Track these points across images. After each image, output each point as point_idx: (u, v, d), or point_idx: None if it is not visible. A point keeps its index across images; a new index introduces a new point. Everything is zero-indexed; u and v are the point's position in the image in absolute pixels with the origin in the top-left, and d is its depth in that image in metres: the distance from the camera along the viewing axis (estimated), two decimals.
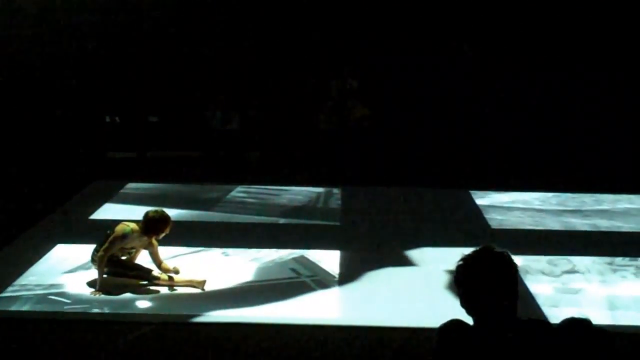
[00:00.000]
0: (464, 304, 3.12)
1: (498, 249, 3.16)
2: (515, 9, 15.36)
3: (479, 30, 15.43)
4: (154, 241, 7.85)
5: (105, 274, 7.65)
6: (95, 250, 7.74)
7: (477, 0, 15.43)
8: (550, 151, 14.03)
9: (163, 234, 7.79)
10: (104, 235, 7.77)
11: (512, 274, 3.10)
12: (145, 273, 7.83)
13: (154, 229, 7.69)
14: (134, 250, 7.89)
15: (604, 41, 14.97)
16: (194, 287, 7.83)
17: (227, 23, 15.72)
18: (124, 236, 7.64)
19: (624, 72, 14.84)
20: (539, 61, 15.05)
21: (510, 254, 3.18)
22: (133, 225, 7.70)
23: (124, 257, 7.85)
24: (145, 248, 7.89)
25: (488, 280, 3.06)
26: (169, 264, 7.99)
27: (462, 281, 3.13)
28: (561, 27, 15.15)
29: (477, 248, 3.17)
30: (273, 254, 9.00)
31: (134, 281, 7.84)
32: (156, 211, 7.77)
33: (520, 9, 15.34)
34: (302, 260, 8.75)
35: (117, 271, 7.79)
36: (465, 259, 3.14)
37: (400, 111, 14.88)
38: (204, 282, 7.86)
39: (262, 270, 8.52)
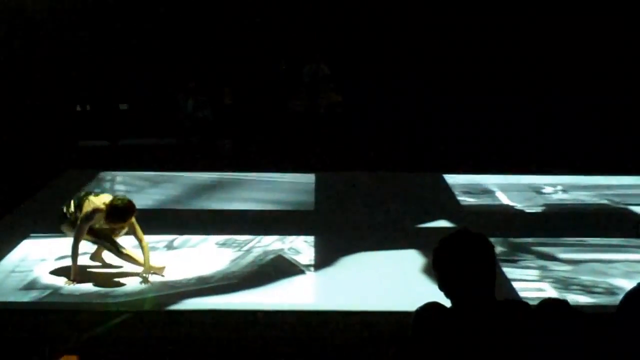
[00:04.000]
0: (442, 287, 3.13)
1: (474, 231, 3.17)
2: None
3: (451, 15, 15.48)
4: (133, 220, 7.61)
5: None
6: (62, 213, 7.64)
7: None
8: (520, 134, 14.14)
9: (125, 224, 7.53)
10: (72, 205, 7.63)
11: (490, 256, 3.12)
12: (115, 245, 7.69)
13: (118, 217, 7.42)
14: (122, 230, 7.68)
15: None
16: (155, 273, 7.77)
17: (198, 10, 15.64)
18: (88, 217, 7.43)
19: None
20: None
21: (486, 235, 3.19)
22: (101, 205, 7.46)
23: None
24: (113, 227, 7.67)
25: (465, 262, 3.07)
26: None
27: (439, 264, 3.14)
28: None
29: (454, 231, 3.17)
30: (249, 242, 8.99)
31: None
32: (122, 199, 7.52)
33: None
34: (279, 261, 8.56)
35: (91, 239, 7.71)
36: (443, 242, 3.15)
37: (372, 96, 14.91)
38: (163, 268, 7.81)
39: (237, 257, 8.50)
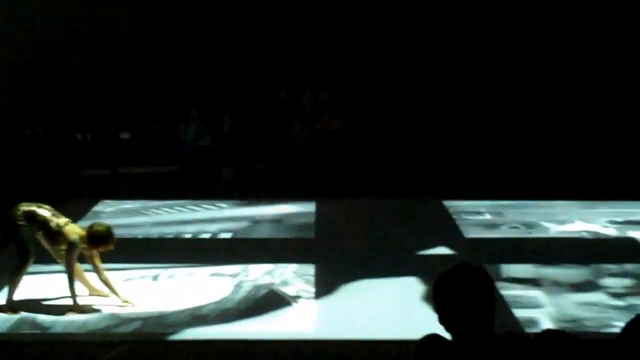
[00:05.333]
0: (441, 321, 3.14)
1: (474, 264, 3.18)
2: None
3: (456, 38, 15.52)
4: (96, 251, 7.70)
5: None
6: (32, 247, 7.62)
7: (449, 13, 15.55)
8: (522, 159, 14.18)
9: (102, 249, 7.64)
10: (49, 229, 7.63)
11: (489, 289, 3.13)
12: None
13: (98, 243, 7.56)
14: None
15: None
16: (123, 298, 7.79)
17: (198, 39, 15.73)
18: (76, 246, 7.50)
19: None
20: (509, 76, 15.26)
21: (486, 268, 3.20)
22: (80, 231, 7.58)
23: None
24: (85, 253, 7.72)
25: (465, 296, 3.08)
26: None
27: (439, 298, 3.15)
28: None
29: (454, 264, 3.19)
30: (249, 270, 8.98)
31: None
32: (102, 225, 7.69)
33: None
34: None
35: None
36: (442, 275, 3.16)
37: (372, 123, 14.96)
38: (128, 302, 7.82)
39: (237, 287, 8.49)
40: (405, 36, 15.38)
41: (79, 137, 15.49)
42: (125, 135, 15.57)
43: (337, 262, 9.35)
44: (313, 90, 15.42)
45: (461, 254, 9.55)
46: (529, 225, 10.93)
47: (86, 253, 7.70)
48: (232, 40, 15.79)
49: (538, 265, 9.12)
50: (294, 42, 15.81)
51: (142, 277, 8.79)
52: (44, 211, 7.67)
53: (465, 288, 3.09)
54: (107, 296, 7.87)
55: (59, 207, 11.74)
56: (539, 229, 10.81)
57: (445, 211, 11.75)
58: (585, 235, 10.51)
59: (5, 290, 7.77)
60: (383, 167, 14.11)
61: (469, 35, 15.40)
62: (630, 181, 12.90)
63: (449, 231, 10.73)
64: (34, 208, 7.66)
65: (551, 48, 15.27)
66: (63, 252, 7.59)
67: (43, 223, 7.60)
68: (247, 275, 8.83)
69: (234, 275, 8.83)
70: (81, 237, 7.52)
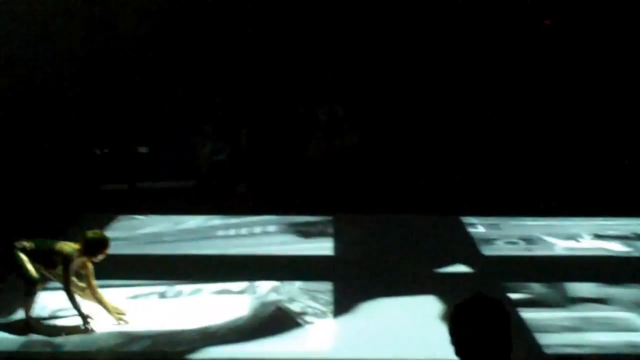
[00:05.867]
0: (458, 354, 3.11)
1: (491, 297, 3.15)
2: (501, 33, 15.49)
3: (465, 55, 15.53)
4: (89, 264, 7.67)
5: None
6: (35, 271, 7.56)
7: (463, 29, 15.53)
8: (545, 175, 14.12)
9: (101, 256, 7.63)
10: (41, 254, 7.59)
11: (506, 322, 3.09)
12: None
13: (93, 250, 7.54)
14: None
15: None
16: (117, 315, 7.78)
17: (216, 54, 15.75)
18: (70, 259, 7.47)
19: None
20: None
21: (503, 302, 3.16)
22: (74, 245, 7.55)
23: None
24: (79, 270, 7.70)
25: (481, 329, 3.05)
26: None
27: (455, 331, 3.11)
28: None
29: (469, 297, 3.15)
30: (256, 286, 8.94)
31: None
32: (95, 232, 7.68)
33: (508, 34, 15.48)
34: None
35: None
36: (458, 308, 3.13)
37: (390, 137, 14.93)
38: (122, 314, 7.81)
39: (246, 304, 8.47)
40: (421, 51, 15.38)
41: (97, 151, 15.52)
42: (143, 150, 15.59)
43: (355, 279, 9.31)
44: (330, 104, 15.40)
45: (479, 271, 9.53)
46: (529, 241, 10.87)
47: (82, 271, 7.66)
48: (249, 55, 15.81)
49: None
50: (310, 55, 15.82)
51: (150, 293, 8.78)
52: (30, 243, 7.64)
53: (481, 321, 3.05)
54: (123, 313, 7.86)
55: (75, 224, 11.97)
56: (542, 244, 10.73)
57: (463, 227, 11.69)
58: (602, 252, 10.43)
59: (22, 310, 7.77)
60: (401, 182, 14.06)
61: (476, 49, 15.40)
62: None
63: (466, 249, 10.66)
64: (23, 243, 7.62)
65: (549, 64, 15.29)
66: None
67: (33, 251, 7.56)
68: (254, 292, 8.80)
69: (241, 292, 8.81)
70: (76, 250, 7.49)
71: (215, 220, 12.18)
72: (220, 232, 11.63)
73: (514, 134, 14.84)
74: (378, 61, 15.53)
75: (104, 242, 7.59)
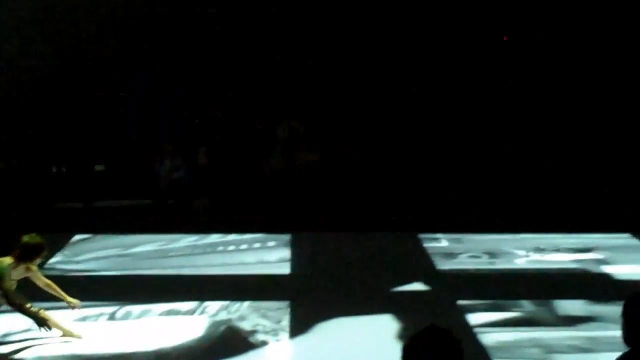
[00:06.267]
0: None
1: (442, 327, 3.15)
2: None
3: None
4: (33, 267, 7.58)
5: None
6: None
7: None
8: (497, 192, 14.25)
9: (39, 259, 7.57)
10: None
11: (458, 352, 3.09)
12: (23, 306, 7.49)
13: (30, 254, 7.44)
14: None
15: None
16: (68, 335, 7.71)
17: (172, 71, 15.70)
18: (6, 273, 7.30)
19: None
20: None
21: (453, 332, 3.16)
22: (7, 259, 7.39)
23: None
24: (23, 276, 7.56)
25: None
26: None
27: None
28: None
29: (422, 328, 3.15)
30: (205, 306, 8.88)
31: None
32: (31, 236, 7.52)
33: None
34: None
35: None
36: (411, 340, 3.12)
37: (349, 155, 14.98)
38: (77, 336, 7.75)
39: (204, 324, 8.41)
40: (383, 68, 15.48)
41: (53, 169, 15.37)
42: (99, 168, 15.48)
43: (312, 298, 9.29)
44: (288, 122, 15.41)
45: (435, 288, 9.59)
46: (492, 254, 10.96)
47: (27, 275, 7.54)
48: (206, 73, 15.78)
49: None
50: (269, 73, 15.83)
51: (99, 314, 8.68)
52: None
53: (433, 353, 3.06)
54: (78, 337, 7.78)
55: None
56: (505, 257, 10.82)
57: (420, 244, 11.74)
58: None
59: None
60: (359, 200, 14.11)
61: (446, 67, 15.53)
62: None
63: (424, 266, 10.70)
64: None
65: (532, 85, 15.50)
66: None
67: None
68: (204, 312, 8.74)
69: (191, 312, 8.74)
70: (9, 263, 7.34)
71: (173, 240, 12.09)
72: (177, 251, 11.55)
73: (477, 152, 15.00)
74: (337, 78, 15.60)
75: (40, 246, 7.48)
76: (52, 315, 7.69)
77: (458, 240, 11.91)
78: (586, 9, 15.14)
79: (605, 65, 15.13)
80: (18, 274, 7.49)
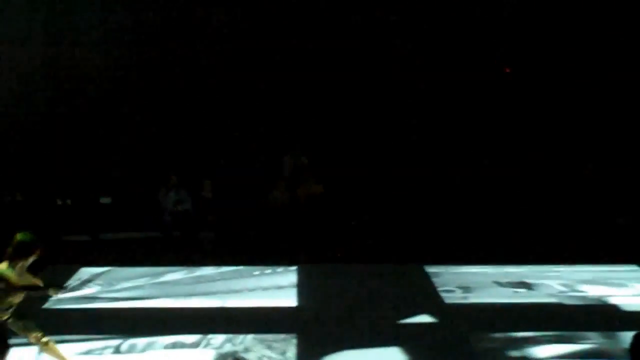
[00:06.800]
0: None
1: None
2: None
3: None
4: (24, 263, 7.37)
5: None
6: None
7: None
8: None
9: (32, 258, 7.36)
10: None
11: None
12: None
13: (22, 252, 7.26)
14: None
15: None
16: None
17: (178, 105, 15.86)
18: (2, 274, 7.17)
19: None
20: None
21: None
22: (2, 265, 7.24)
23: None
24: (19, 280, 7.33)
25: None
26: None
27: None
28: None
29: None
30: (219, 338, 8.92)
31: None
32: (24, 234, 7.36)
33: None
34: None
35: None
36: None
37: (354, 188, 15.08)
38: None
39: (210, 356, 8.44)
40: (385, 101, 15.67)
41: (59, 202, 15.44)
42: (105, 200, 15.55)
43: (319, 331, 9.32)
44: (293, 155, 15.53)
45: (442, 321, 9.61)
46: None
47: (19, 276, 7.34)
48: (211, 105, 15.93)
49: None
50: (273, 105, 15.97)
51: (104, 347, 8.70)
52: None
53: None
54: None
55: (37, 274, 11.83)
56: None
57: (426, 276, 11.78)
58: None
59: None
60: (365, 232, 14.22)
61: (448, 97, 15.72)
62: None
63: (429, 297, 10.74)
64: None
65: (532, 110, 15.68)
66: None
67: None
68: (208, 344, 8.77)
69: (195, 344, 8.77)
70: (6, 269, 7.18)
71: (177, 272, 12.15)
72: (181, 283, 11.61)
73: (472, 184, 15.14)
74: (340, 110, 15.76)
75: (32, 244, 7.29)
76: (57, 347, 7.72)
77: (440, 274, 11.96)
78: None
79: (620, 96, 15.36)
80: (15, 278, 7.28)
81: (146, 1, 15.99)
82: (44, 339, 7.52)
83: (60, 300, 10.59)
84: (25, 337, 7.54)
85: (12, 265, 7.24)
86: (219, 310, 10.24)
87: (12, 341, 7.78)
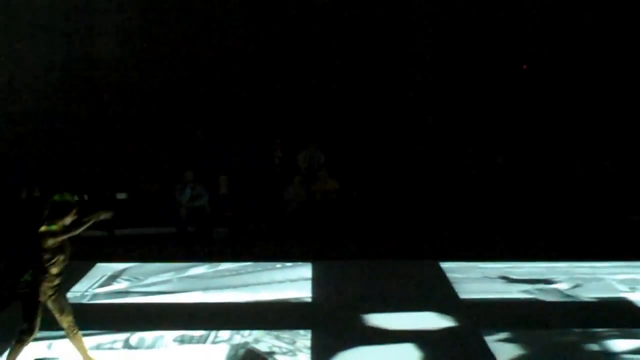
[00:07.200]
0: None
1: None
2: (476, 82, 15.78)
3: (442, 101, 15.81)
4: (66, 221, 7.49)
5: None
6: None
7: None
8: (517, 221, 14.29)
9: (71, 219, 7.49)
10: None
11: None
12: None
13: (59, 212, 7.40)
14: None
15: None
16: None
17: (194, 102, 15.89)
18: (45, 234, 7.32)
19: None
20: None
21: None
22: (42, 228, 7.38)
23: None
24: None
25: None
26: None
27: None
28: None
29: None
30: (243, 335, 8.93)
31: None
32: (61, 195, 7.56)
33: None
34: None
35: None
36: None
37: (368, 184, 15.06)
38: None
39: (224, 349, 8.45)
40: (402, 96, 15.64)
41: (75, 198, 15.46)
42: (121, 196, 15.59)
43: (334, 326, 9.30)
44: (309, 151, 15.53)
45: (457, 317, 9.56)
46: None
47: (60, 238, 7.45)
48: (226, 102, 15.96)
49: None
50: (289, 102, 15.98)
51: (113, 341, 8.73)
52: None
53: None
54: None
55: None
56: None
57: (441, 272, 11.74)
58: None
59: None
60: (380, 227, 14.18)
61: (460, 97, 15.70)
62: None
63: (445, 293, 10.70)
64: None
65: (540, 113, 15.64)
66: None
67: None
68: (217, 337, 8.80)
69: (203, 338, 8.78)
70: (45, 230, 7.31)
71: (194, 267, 12.17)
72: (198, 278, 11.62)
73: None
74: (358, 108, 15.75)
75: (68, 204, 7.47)
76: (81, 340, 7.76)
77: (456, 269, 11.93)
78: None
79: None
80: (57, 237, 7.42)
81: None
82: (75, 328, 7.59)
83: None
84: (59, 318, 7.60)
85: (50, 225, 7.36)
86: (234, 305, 10.25)
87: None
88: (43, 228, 7.35)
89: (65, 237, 7.41)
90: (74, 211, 7.53)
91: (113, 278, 11.64)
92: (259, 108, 16.01)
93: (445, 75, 16.06)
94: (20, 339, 7.41)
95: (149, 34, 16.20)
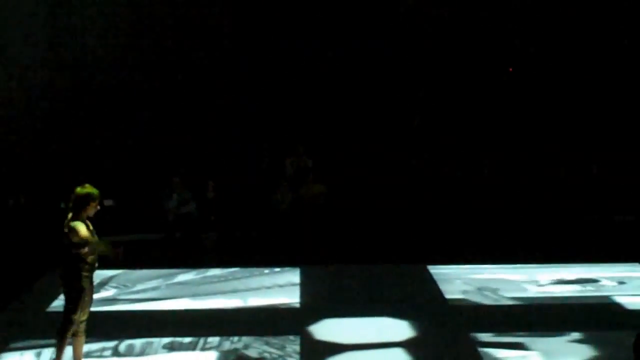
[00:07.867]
0: None
1: None
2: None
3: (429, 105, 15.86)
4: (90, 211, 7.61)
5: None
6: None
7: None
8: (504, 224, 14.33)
9: (93, 210, 7.60)
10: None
11: None
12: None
13: (81, 204, 7.50)
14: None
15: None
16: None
17: (182, 106, 15.86)
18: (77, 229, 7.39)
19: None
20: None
21: None
22: (71, 224, 7.46)
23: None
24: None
25: None
26: None
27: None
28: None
29: None
30: (233, 341, 8.92)
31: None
32: (82, 186, 7.61)
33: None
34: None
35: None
36: None
37: (354, 188, 15.08)
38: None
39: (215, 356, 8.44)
40: (389, 100, 15.68)
41: (62, 205, 15.42)
42: (108, 202, 15.51)
43: (323, 331, 9.31)
44: (296, 156, 15.53)
45: (446, 320, 9.59)
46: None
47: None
48: (214, 107, 15.94)
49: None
50: (277, 107, 15.98)
51: (102, 349, 8.71)
52: None
53: None
54: None
55: (41, 278, 11.84)
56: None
57: (429, 276, 11.76)
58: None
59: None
60: (367, 232, 14.20)
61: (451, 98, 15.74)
62: None
63: (432, 297, 10.72)
64: None
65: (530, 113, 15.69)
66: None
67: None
68: (206, 343, 8.78)
69: (193, 344, 8.76)
70: (73, 224, 7.39)
71: (182, 274, 12.15)
72: (187, 285, 11.60)
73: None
74: (345, 112, 15.77)
75: (89, 195, 7.53)
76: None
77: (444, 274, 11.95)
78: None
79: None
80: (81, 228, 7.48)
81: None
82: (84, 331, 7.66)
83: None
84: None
85: (78, 218, 7.45)
86: (221, 312, 10.24)
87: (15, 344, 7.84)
88: (71, 223, 7.42)
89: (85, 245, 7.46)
90: (96, 202, 7.63)
91: (101, 285, 11.57)
92: (247, 113, 15.99)
93: (432, 79, 16.08)
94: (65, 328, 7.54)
95: (137, 36, 16.14)
